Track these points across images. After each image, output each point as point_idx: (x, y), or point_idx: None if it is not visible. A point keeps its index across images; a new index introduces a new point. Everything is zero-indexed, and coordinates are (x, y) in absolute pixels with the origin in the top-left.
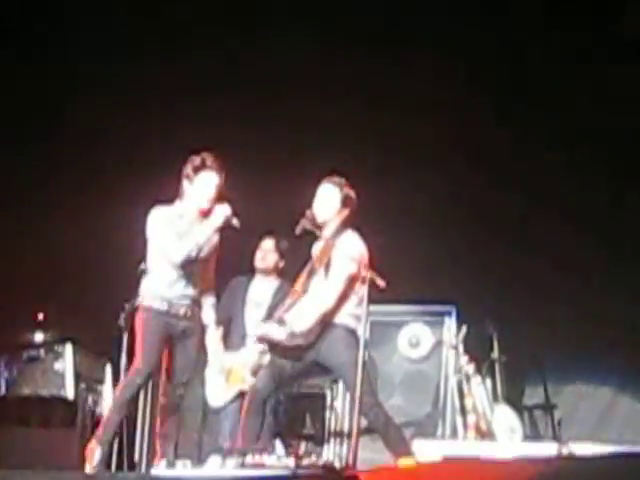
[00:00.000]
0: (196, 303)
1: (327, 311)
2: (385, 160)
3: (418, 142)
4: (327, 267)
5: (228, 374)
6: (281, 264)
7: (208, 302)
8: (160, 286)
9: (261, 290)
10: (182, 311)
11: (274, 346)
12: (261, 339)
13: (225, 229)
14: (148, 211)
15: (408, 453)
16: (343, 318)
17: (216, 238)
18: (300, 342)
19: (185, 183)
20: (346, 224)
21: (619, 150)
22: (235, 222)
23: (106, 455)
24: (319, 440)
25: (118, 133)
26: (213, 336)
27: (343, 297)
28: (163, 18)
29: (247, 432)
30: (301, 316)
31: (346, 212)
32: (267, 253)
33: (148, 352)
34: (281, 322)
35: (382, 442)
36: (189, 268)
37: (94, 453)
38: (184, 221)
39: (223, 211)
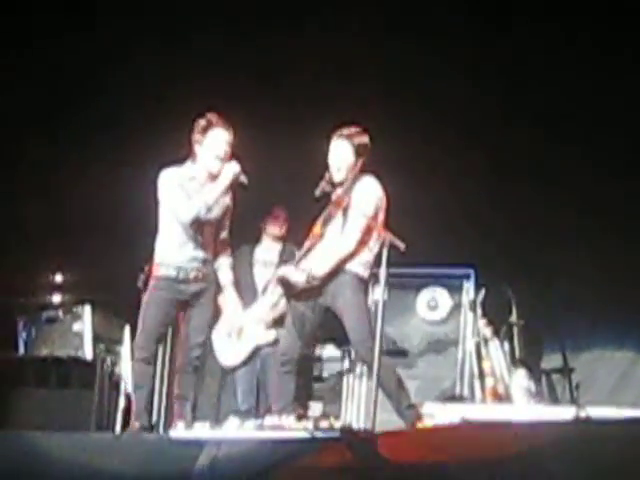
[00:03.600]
0: (208, 265)
1: (346, 256)
2: (399, 119)
3: (434, 102)
4: (345, 212)
5: (239, 333)
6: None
7: (224, 263)
8: (170, 250)
9: (268, 251)
10: (192, 274)
11: (290, 289)
12: (280, 280)
13: (235, 187)
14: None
15: (410, 407)
16: (354, 266)
17: (227, 200)
18: (316, 283)
19: (196, 146)
20: (363, 170)
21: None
22: (243, 179)
23: (145, 427)
24: (337, 402)
25: (139, 97)
26: (231, 297)
27: (361, 243)
28: None
29: (281, 394)
30: (320, 260)
31: (362, 160)
32: (283, 223)
33: (144, 332)
34: (300, 266)
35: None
36: (199, 230)
37: (133, 427)
38: (195, 183)
39: (231, 169)
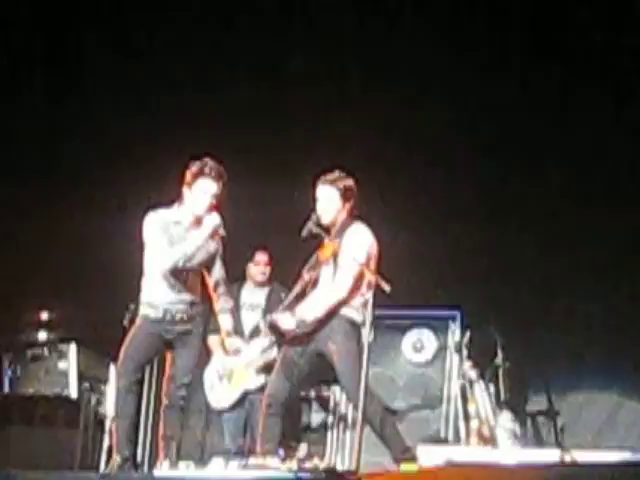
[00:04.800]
0: (194, 307)
1: (338, 304)
2: (387, 160)
3: (422, 140)
4: (336, 259)
5: (230, 376)
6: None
7: (225, 307)
8: (155, 292)
9: (254, 294)
10: (178, 316)
11: (281, 335)
12: (271, 327)
13: (218, 237)
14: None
15: (405, 451)
16: (346, 310)
17: (213, 245)
18: (306, 330)
19: (185, 188)
20: (352, 214)
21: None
22: (222, 232)
23: (126, 461)
24: (322, 443)
25: (123, 137)
26: (232, 343)
27: (354, 289)
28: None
29: (266, 436)
30: (311, 307)
31: (349, 204)
32: (265, 267)
33: (126, 359)
34: (291, 312)
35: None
36: (182, 275)
37: (114, 462)
38: (180, 228)
39: (212, 221)
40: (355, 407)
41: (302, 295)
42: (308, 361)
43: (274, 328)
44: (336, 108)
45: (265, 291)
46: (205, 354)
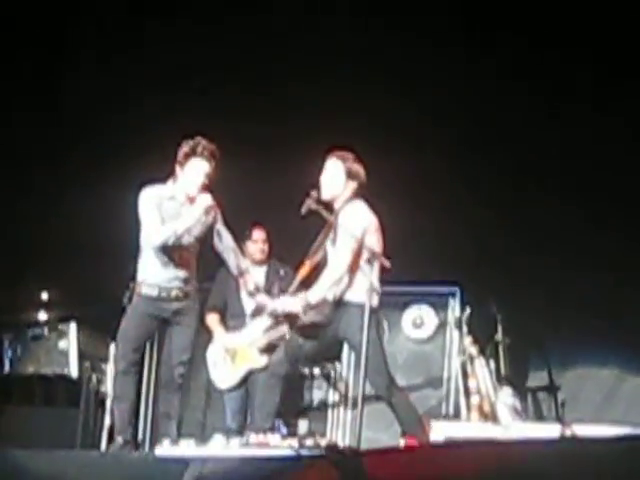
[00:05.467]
0: (189, 283)
1: (337, 279)
2: (386, 139)
3: (420, 121)
4: (335, 238)
5: (234, 355)
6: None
7: (244, 268)
8: (151, 269)
9: (254, 272)
10: (173, 293)
11: (291, 319)
12: (277, 312)
13: (216, 208)
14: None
15: (423, 435)
16: (357, 295)
17: (209, 218)
18: (317, 319)
19: (177, 167)
20: (355, 196)
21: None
22: (212, 214)
23: (128, 441)
24: (322, 420)
25: (119, 115)
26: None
27: (353, 266)
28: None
29: (262, 409)
30: (314, 286)
31: (353, 185)
32: (264, 244)
33: (122, 342)
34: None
35: (397, 421)
36: (176, 251)
37: (115, 444)
38: (174, 202)
39: (204, 201)
40: (378, 389)
41: (306, 280)
42: (319, 347)
43: (280, 313)
44: (334, 85)
45: (264, 269)
46: (206, 332)
